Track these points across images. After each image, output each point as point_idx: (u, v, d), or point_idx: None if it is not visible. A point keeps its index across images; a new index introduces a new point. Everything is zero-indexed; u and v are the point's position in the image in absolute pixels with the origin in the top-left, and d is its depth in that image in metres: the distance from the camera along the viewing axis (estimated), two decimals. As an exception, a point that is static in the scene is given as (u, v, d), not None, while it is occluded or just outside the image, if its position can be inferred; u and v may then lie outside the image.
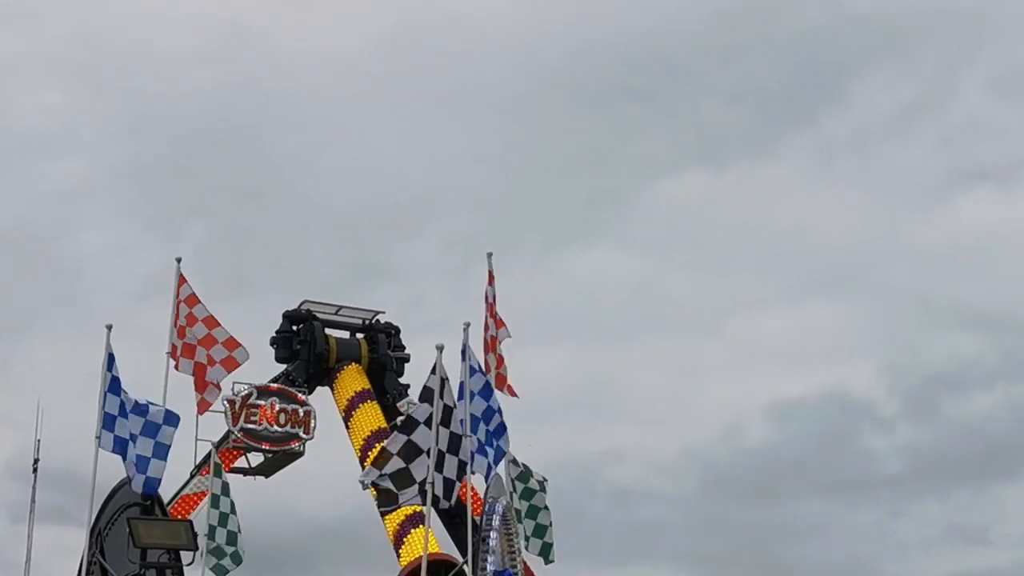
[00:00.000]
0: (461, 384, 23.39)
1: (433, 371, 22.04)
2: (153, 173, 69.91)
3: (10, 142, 70.60)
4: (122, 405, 22.77)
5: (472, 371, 23.40)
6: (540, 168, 71.15)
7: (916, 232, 70.07)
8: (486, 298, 25.52)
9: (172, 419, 22.52)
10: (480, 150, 68.89)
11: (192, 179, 69.48)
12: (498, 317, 25.55)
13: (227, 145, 69.86)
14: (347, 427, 34.63)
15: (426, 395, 21.90)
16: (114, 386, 23.60)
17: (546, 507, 25.23)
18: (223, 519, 25.54)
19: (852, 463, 62.07)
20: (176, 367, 25.69)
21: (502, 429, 23.54)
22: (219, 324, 25.76)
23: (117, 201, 69.48)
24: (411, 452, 21.90)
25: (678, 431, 65.44)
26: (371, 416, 34.42)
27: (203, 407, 25.48)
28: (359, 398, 35.00)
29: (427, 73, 69.54)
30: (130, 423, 22.67)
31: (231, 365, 25.73)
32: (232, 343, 25.68)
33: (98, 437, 24.03)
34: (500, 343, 25.71)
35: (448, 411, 21.75)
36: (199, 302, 26.09)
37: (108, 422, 22.82)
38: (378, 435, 32.67)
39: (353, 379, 35.64)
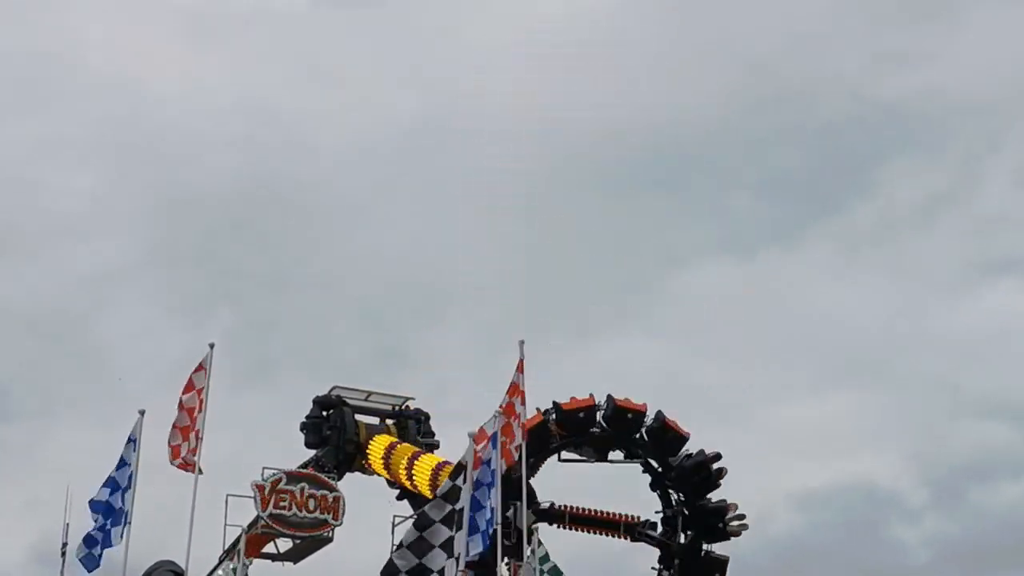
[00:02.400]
0: (493, 471, 23.59)
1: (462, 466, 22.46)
2: (182, 257, 70.40)
3: (41, 224, 71.20)
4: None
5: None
6: (566, 256, 71.30)
7: (942, 322, 69.96)
8: (518, 385, 25.66)
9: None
10: (504, 237, 69.14)
11: (220, 263, 69.92)
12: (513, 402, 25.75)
13: (255, 229, 70.40)
14: (387, 466, 34.94)
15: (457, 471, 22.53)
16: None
17: None
18: None
19: (879, 554, 61.49)
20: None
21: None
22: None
23: (146, 285, 69.90)
24: (424, 548, 22.60)
25: (704, 520, 64.89)
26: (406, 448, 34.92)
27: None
28: (392, 446, 35.32)
29: (452, 158, 70.04)
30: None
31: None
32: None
33: (128, 523, 24.46)
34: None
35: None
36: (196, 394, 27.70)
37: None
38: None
39: (384, 440, 35.85)
